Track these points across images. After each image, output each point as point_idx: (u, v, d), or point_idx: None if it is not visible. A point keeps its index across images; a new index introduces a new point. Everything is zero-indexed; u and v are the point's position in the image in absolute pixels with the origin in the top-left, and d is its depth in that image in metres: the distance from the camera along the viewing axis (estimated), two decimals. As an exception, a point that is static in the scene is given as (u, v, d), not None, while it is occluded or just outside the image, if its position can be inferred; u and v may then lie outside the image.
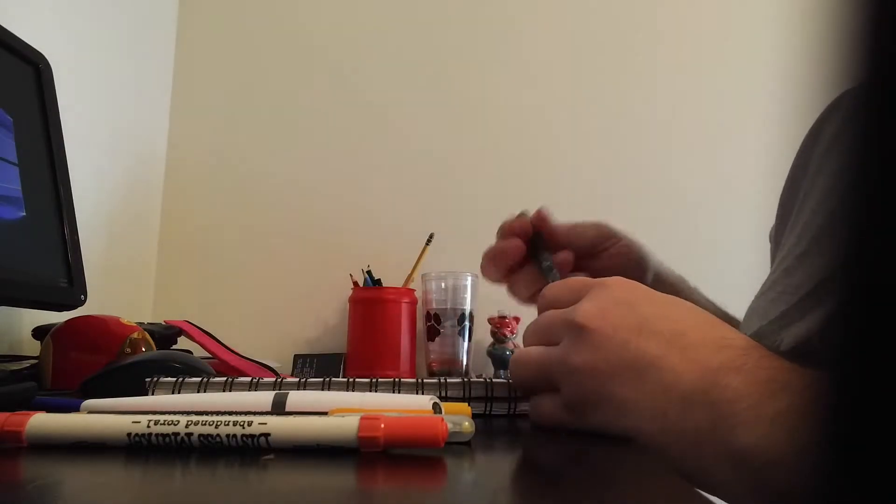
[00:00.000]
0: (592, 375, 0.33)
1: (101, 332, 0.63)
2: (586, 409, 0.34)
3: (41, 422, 0.27)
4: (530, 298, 0.54)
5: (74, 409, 0.36)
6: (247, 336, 0.97)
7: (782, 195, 0.47)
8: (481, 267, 0.55)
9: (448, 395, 0.42)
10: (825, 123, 0.44)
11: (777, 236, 0.47)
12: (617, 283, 0.36)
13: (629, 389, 0.32)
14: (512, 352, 1.03)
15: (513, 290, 0.56)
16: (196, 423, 0.27)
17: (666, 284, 0.59)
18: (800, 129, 0.46)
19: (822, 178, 0.42)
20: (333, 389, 0.41)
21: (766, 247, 0.54)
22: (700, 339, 0.32)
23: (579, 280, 0.39)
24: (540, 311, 0.40)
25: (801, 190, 0.44)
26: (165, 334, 0.74)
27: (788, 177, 0.47)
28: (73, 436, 0.27)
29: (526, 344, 0.39)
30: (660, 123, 1.17)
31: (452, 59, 1.20)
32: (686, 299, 0.40)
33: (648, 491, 0.24)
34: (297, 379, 0.43)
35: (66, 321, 0.64)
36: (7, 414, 0.28)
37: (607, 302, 0.34)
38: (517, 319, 1.04)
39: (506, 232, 0.55)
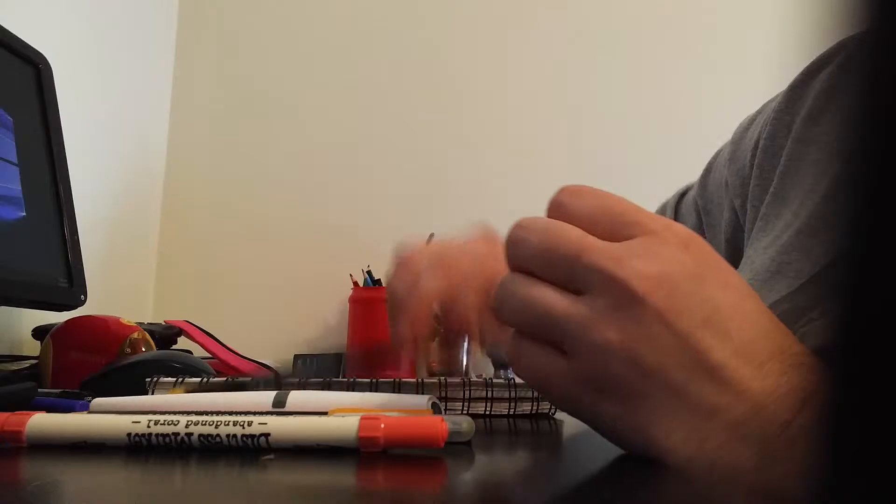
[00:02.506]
0: (628, 362, 0.25)
1: (101, 332, 0.63)
2: (603, 395, 0.26)
3: (41, 422, 0.27)
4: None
5: (74, 409, 0.36)
6: (247, 336, 0.97)
7: (761, 154, 0.46)
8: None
9: (448, 395, 0.42)
10: (809, 82, 0.43)
11: (751, 195, 0.46)
12: (681, 237, 0.26)
13: (669, 396, 0.25)
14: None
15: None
16: (196, 423, 0.27)
17: None
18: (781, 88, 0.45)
19: (815, 148, 0.41)
20: (333, 389, 0.41)
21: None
22: (772, 350, 0.25)
23: (621, 204, 0.27)
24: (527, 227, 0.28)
25: (784, 152, 0.43)
26: (165, 334, 0.74)
27: (768, 135, 0.46)
28: (73, 436, 0.27)
29: (512, 263, 0.28)
30: (659, 121, 1.17)
31: (452, 59, 1.20)
32: None
33: (654, 492, 0.24)
34: (297, 379, 0.43)
35: (66, 321, 0.64)
36: (7, 414, 0.28)
37: (673, 270, 0.25)
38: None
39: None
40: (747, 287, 0.27)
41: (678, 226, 0.27)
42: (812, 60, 0.44)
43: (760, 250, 0.41)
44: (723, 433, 0.24)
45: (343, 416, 0.28)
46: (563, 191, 0.28)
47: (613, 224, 0.26)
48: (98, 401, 0.36)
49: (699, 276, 0.25)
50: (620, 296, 0.24)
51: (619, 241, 0.26)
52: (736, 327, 0.25)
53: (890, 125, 0.10)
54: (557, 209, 0.27)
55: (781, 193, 0.42)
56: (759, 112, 0.51)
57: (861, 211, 0.10)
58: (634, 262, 0.25)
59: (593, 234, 0.26)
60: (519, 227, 0.27)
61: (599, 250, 0.25)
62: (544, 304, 0.26)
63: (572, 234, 0.26)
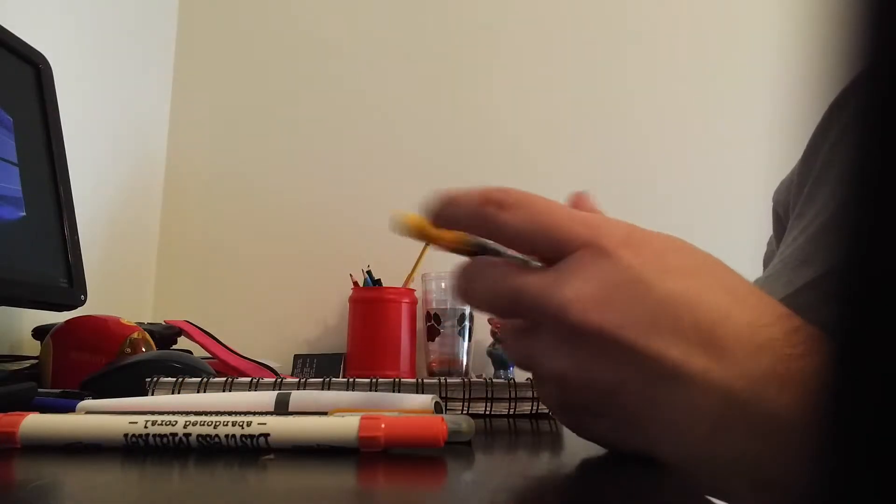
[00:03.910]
0: (589, 388, 0.25)
1: (101, 332, 0.63)
2: (582, 418, 0.28)
3: (35, 423, 0.27)
4: None
5: (74, 409, 0.36)
6: (247, 336, 0.97)
7: (801, 164, 0.46)
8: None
9: (448, 395, 0.42)
10: (852, 92, 0.43)
11: (791, 202, 0.46)
12: (616, 238, 0.25)
13: (642, 403, 0.24)
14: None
15: None
16: (194, 424, 0.27)
17: None
18: (811, 110, 0.45)
19: (843, 155, 0.41)
20: (333, 389, 0.41)
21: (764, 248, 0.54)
22: (734, 331, 0.24)
23: (552, 216, 0.26)
24: (467, 224, 0.28)
25: (820, 157, 0.43)
26: (165, 334, 0.74)
27: (808, 145, 0.46)
28: (68, 437, 0.27)
29: (468, 299, 0.28)
30: (659, 122, 1.17)
31: (451, 59, 1.20)
32: None
33: (654, 492, 0.24)
34: (297, 379, 0.43)
35: (66, 321, 0.64)
36: (0, 415, 0.28)
37: (608, 281, 0.24)
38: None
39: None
40: (692, 262, 0.26)
41: (610, 226, 0.26)
42: (855, 76, 0.44)
43: (790, 241, 0.42)
44: (707, 425, 0.23)
45: (343, 416, 0.28)
46: (490, 200, 0.27)
47: (547, 243, 0.26)
48: (84, 404, 0.36)
49: (636, 276, 0.24)
50: (562, 326, 0.25)
51: (555, 259, 0.26)
52: (689, 319, 0.24)
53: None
54: (489, 222, 0.27)
55: (814, 192, 0.42)
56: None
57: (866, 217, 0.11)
58: (567, 289, 0.24)
59: (530, 254, 0.27)
60: (460, 276, 0.28)
61: (534, 286, 0.25)
62: (509, 343, 0.28)
63: (507, 275, 0.26)
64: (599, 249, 0.25)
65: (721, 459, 0.23)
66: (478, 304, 0.28)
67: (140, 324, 0.68)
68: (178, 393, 0.41)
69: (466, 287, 0.28)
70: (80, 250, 0.63)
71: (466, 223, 0.28)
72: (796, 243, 0.40)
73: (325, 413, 0.31)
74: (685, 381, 0.23)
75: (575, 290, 0.24)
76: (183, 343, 0.77)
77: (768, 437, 0.22)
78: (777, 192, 0.51)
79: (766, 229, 0.52)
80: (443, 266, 1.03)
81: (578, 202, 0.34)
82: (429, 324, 1.03)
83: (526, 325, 0.27)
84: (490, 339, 1.05)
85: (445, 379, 0.43)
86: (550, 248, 0.26)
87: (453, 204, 0.28)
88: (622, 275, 0.24)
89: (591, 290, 0.24)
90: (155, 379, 0.42)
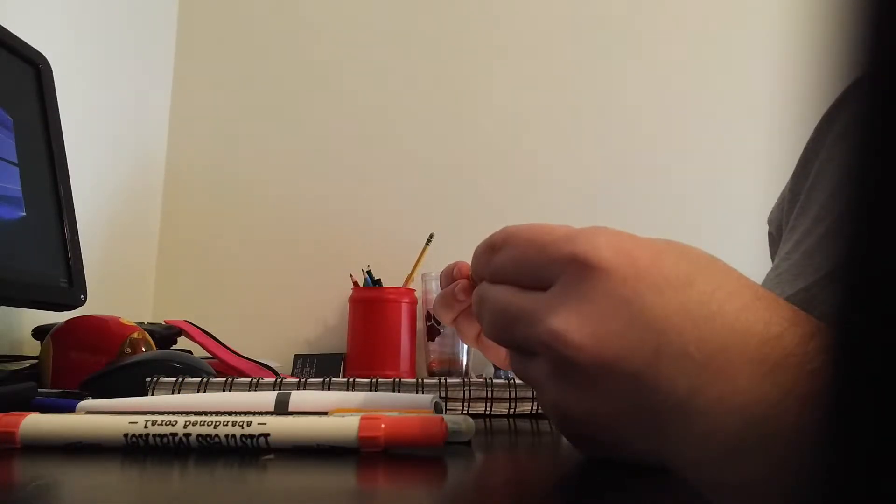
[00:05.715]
0: (588, 421, 0.24)
1: (101, 332, 0.63)
2: (584, 439, 0.27)
3: (35, 423, 0.27)
4: (476, 340, 0.45)
5: (74, 409, 0.36)
6: (247, 336, 0.97)
7: (792, 181, 0.46)
8: (434, 310, 0.43)
9: (448, 395, 0.42)
10: (840, 108, 0.43)
11: (784, 218, 0.46)
12: (600, 256, 0.23)
13: (647, 440, 0.23)
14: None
15: (460, 331, 0.46)
16: (194, 424, 0.27)
17: None
18: (810, 115, 0.45)
19: (837, 163, 0.41)
20: (333, 389, 0.41)
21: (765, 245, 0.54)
22: (741, 353, 0.21)
23: (532, 246, 0.26)
24: (476, 276, 0.30)
25: (812, 173, 0.43)
26: (165, 334, 0.74)
27: (799, 162, 0.46)
28: (68, 437, 0.27)
29: (481, 324, 0.28)
30: (659, 122, 1.17)
31: (450, 60, 1.20)
32: None
33: (654, 492, 0.24)
34: (297, 379, 0.43)
35: (66, 321, 0.64)
36: (0, 415, 0.28)
37: (598, 302, 0.23)
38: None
39: (450, 276, 0.43)
40: (688, 268, 0.23)
41: (588, 245, 0.24)
42: (843, 90, 0.44)
43: (784, 255, 0.41)
44: (719, 456, 0.21)
45: (343, 416, 0.28)
46: (487, 245, 0.28)
47: (531, 273, 0.25)
48: (84, 404, 0.36)
49: (630, 294, 0.22)
50: (556, 358, 0.23)
51: (544, 285, 0.25)
52: (693, 338, 0.21)
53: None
54: (490, 269, 0.27)
55: (807, 205, 0.42)
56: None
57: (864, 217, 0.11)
58: (556, 318, 0.23)
59: (521, 286, 0.26)
60: (474, 303, 0.28)
61: (527, 317, 0.24)
62: (511, 361, 0.27)
63: (502, 299, 0.26)
64: (584, 266, 0.23)
65: (736, 481, 0.21)
66: (486, 332, 0.27)
67: (140, 324, 0.68)
68: (178, 393, 0.41)
69: (478, 312, 0.28)
70: (80, 250, 0.63)
71: (478, 275, 0.28)
72: (791, 258, 0.39)
73: (325, 413, 0.31)
74: (696, 416, 0.21)
75: (563, 319, 0.23)
76: (183, 343, 0.77)
77: (789, 458, 0.20)
78: (771, 214, 0.51)
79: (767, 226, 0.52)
80: (443, 266, 1.03)
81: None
82: (429, 324, 1.03)
83: (525, 347, 0.25)
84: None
85: (445, 379, 0.43)
86: (538, 278, 0.25)
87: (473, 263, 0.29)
88: (613, 294, 0.23)
89: (582, 319, 0.23)
90: (155, 379, 0.42)
